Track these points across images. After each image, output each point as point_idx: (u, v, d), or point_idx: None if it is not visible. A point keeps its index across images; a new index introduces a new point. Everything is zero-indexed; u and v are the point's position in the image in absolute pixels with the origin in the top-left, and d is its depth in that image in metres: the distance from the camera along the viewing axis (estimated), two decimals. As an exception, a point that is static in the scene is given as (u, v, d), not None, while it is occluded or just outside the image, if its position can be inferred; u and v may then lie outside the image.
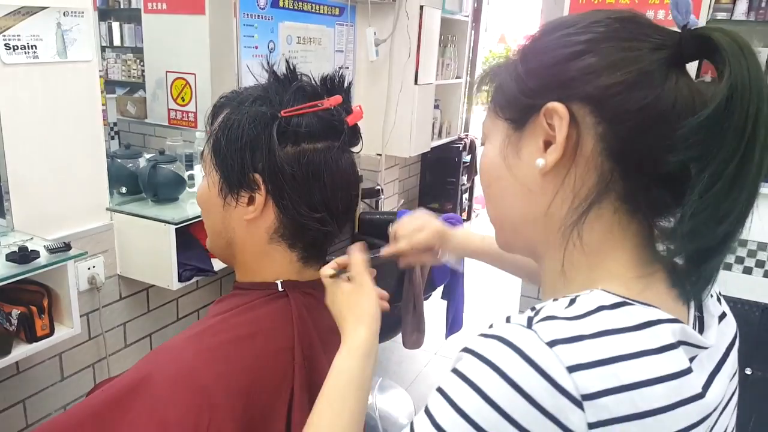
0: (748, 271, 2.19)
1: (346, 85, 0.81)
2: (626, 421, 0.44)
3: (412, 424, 0.49)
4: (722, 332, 0.57)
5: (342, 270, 0.79)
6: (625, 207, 0.54)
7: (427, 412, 0.48)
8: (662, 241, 0.54)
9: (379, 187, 3.27)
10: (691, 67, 0.55)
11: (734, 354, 0.58)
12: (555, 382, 0.43)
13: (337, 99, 0.77)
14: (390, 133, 3.23)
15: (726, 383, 0.54)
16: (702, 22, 2.56)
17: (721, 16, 2.75)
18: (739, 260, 2.20)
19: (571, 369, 0.44)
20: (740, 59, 0.47)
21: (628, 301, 0.49)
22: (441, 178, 4.04)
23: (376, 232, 2.80)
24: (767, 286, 2.16)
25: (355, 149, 0.82)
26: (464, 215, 4.15)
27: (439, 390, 0.48)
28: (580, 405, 0.43)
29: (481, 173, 0.63)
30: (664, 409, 0.45)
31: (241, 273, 0.85)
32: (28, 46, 1.59)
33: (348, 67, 3.13)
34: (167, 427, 0.68)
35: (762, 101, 0.46)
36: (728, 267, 2.22)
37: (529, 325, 0.47)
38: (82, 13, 1.71)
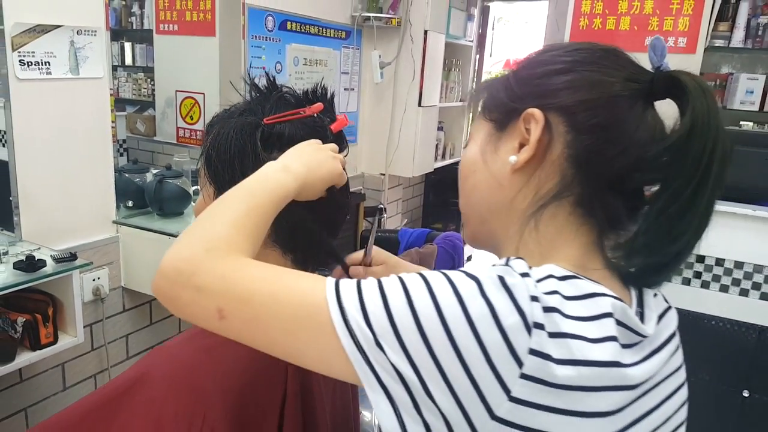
0: (744, 293, 2.20)
1: (329, 95, 0.83)
2: (560, 364, 0.48)
3: (359, 287, 0.53)
4: (665, 325, 0.62)
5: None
6: (580, 210, 0.59)
7: (403, 282, 0.52)
8: (614, 253, 0.59)
9: (382, 206, 3.30)
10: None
11: (673, 345, 0.62)
12: (518, 303, 0.49)
13: (318, 106, 0.79)
14: (394, 153, 3.28)
15: (657, 366, 0.58)
16: (700, 49, 2.61)
17: (719, 43, 2.80)
18: (736, 282, 2.21)
19: (533, 298, 0.49)
20: (702, 100, 0.54)
21: (577, 275, 0.55)
22: (444, 198, 4.08)
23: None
24: (763, 309, 2.16)
25: (341, 155, 0.84)
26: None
27: (421, 275, 0.52)
28: (529, 330, 0.48)
29: (460, 167, 0.68)
30: (593, 363, 0.49)
31: None
32: (41, 62, 1.65)
33: (353, 89, 3.19)
34: (162, 425, 0.69)
35: (718, 138, 0.53)
36: (725, 289, 2.23)
37: (507, 263, 0.53)
38: (95, 31, 1.77)
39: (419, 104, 3.21)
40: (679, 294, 2.29)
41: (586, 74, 0.59)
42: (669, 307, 0.65)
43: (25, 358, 1.54)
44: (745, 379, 2.16)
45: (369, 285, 0.53)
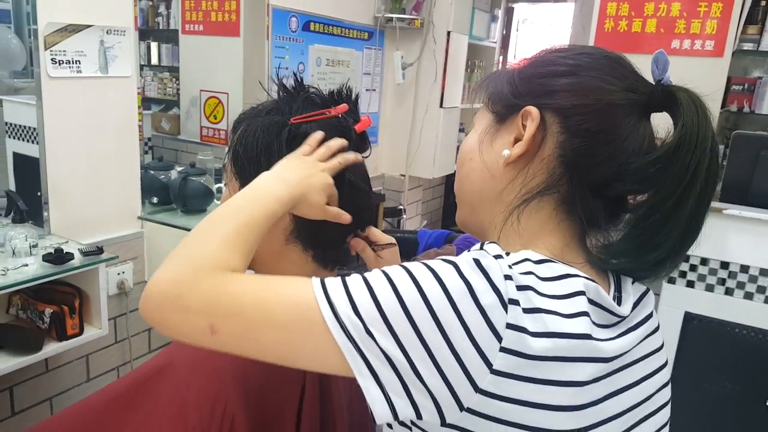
0: (768, 300, 2.16)
1: (353, 97, 0.84)
2: (535, 337, 0.51)
3: (345, 283, 0.55)
4: (642, 306, 0.64)
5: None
6: (564, 207, 0.62)
7: (386, 274, 0.55)
8: (596, 251, 0.62)
9: (401, 207, 3.31)
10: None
11: (651, 326, 0.64)
12: (493, 282, 0.52)
13: (343, 107, 0.81)
14: (414, 154, 3.28)
15: (632, 343, 0.60)
16: (728, 52, 2.57)
17: (747, 46, 2.75)
18: (761, 290, 2.17)
19: (507, 277, 0.52)
20: (694, 117, 0.55)
21: (551, 259, 0.57)
22: (465, 200, 4.06)
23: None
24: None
25: (364, 154, 0.86)
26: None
27: (403, 266, 0.55)
28: (505, 307, 0.51)
29: (459, 153, 0.71)
30: (567, 336, 0.52)
31: (259, 273, 0.89)
32: (72, 61, 1.70)
33: (375, 90, 3.20)
34: (186, 410, 0.71)
35: (704, 156, 0.55)
36: (750, 296, 2.19)
37: (481, 247, 0.56)
38: (124, 31, 1.81)
39: (441, 105, 3.21)
40: (702, 301, 2.26)
41: (587, 79, 0.61)
42: (647, 290, 0.67)
43: (51, 349, 1.58)
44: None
45: (354, 279, 0.55)
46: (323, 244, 0.83)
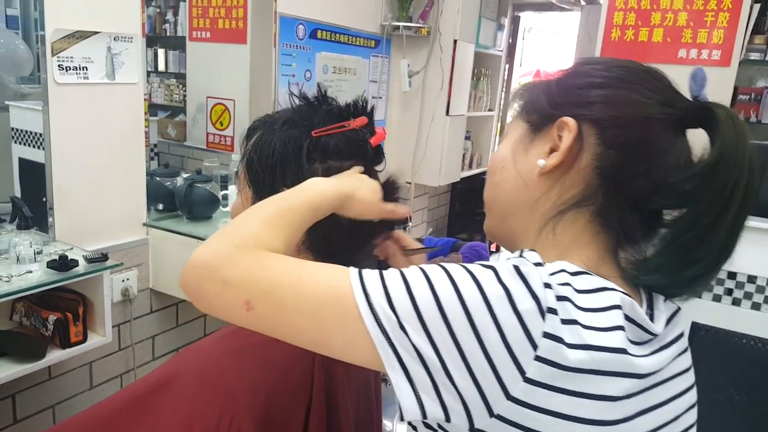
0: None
1: (369, 109, 0.85)
2: (572, 348, 0.50)
3: (382, 277, 0.55)
4: (673, 325, 0.63)
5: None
6: (599, 220, 0.61)
7: (424, 271, 0.54)
8: (629, 266, 0.61)
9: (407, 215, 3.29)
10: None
11: (681, 345, 0.63)
12: (532, 289, 0.51)
13: (362, 120, 0.82)
14: (420, 162, 3.28)
15: (665, 361, 0.59)
16: (735, 62, 2.56)
17: (754, 56, 2.75)
18: (770, 301, 2.15)
19: (546, 285, 0.51)
20: (733, 134, 0.55)
21: (587, 271, 0.56)
22: (470, 208, 4.05)
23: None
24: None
25: (378, 168, 0.86)
26: (493, 247, 4.15)
27: (442, 266, 0.55)
28: (543, 315, 0.50)
29: (491, 162, 0.71)
30: (604, 349, 0.51)
31: None
32: (79, 67, 1.70)
33: (381, 97, 3.20)
34: (192, 422, 0.70)
35: (743, 173, 0.54)
36: (757, 307, 2.17)
37: (521, 254, 0.55)
38: (132, 38, 1.81)
39: (447, 113, 3.21)
40: (709, 311, 2.24)
41: (624, 92, 0.60)
42: (678, 309, 0.66)
43: (55, 356, 1.57)
44: (777, 400, 2.10)
45: (391, 273, 0.55)
46: (335, 256, 0.83)
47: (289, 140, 0.79)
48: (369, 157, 0.83)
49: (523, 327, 0.50)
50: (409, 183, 3.33)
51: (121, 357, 2.04)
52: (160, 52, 3.26)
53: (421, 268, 0.55)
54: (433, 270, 0.54)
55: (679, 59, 2.65)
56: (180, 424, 0.71)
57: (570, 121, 0.61)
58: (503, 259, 0.55)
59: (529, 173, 0.64)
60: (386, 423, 1.31)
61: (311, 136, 0.78)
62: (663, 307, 0.62)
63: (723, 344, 2.21)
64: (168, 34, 3.23)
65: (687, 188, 0.56)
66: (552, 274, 0.54)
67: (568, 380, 0.50)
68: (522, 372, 0.50)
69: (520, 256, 0.55)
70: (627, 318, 0.54)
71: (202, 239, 1.90)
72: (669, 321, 0.62)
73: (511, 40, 4.25)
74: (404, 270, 0.55)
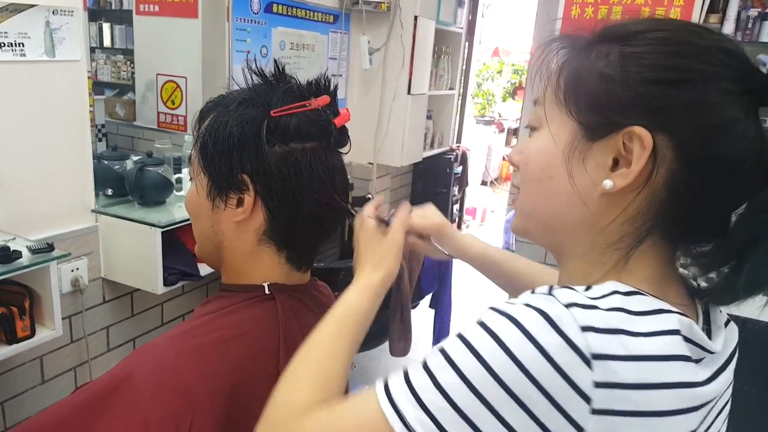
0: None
1: (332, 88, 0.80)
2: (631, 389, 0.45)
3: (446, 351, 0.50)
4: (728, 340, 0.58)
5: (381, 221, 0.80)
6: (667, 238, 0.55)
7: (445, 353, 0.50)
8: (716, 290, 0.55)
9: (370, 196, 3.26)
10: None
11: (734, 363, 0.59)
12: (567, 337, 0.45)
13: (324, 99, 0.77)
14: (382, 142, 3.23)
15: (724, 386, 0.55)
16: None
17: (710, 33, 2.79)
18: None
19: (584, 329, 0.45)
20: None
21: (641, 291, 0.51)
22: (432, 188, 4.04)
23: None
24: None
25: (343, 150, 0.82)
26: (454, 226, 4.17)
27: (459, 336, 0.50)
28: (588, 363, 0.44)
29: (530, 163, 0.59)
30: (667, 386, 0.47)
31: (228, 275, 0.84)
32: (15, 43, 1.57)
33: (341, 75, 3.13)
34: (149, 426, 0.67)
35: None
36: None
37: (550, 292, 0.49)
38: (72, 12, 1.70)
39: (409, 92, 3.16)
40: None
41: (710, 92, 0.49)
42: (729, 320, 0.61)
43: (1, 353, 1.49)
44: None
45: (416, 374, 0.50)
46: (298, 244, 0.79)
47: (247, 121, 0.74)
48: (333, 139, 0.78)
49: (568, 381, 0.44)
50: (371, 164, 3.28)
51: (74, 349, 1.95)
52: (105, 26, 3.10)
53: (442, 351, 0.50)
54: (454, 347, 0.49)
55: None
56: (136, 430, 0.67)
57: (645, 135, 0.50)
58: (525, 299, 0.49)
59: (587, 191, 0.54)
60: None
61: (270, 117, 0.74)
62: (719, 319, 0.58)
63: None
64: (113, 8, 3.08)
65: None
66: (603, 296, 0.49)
67: (632, 428, 0.46)
68: (580, 430, 0.45)
69: (549, 293, 0.48)
70: (686, 339, 0.49)
71: (155, 225, 1.82)
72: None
73: (470, 17, 4.20)
74: (428, 360, 0.50)
